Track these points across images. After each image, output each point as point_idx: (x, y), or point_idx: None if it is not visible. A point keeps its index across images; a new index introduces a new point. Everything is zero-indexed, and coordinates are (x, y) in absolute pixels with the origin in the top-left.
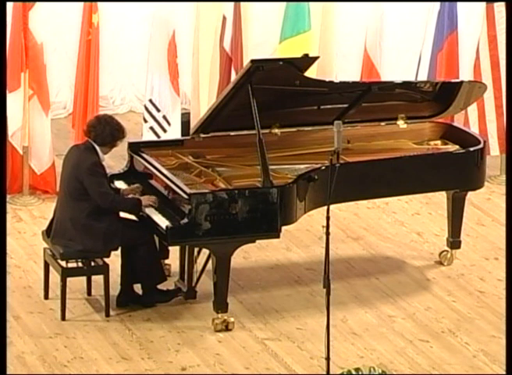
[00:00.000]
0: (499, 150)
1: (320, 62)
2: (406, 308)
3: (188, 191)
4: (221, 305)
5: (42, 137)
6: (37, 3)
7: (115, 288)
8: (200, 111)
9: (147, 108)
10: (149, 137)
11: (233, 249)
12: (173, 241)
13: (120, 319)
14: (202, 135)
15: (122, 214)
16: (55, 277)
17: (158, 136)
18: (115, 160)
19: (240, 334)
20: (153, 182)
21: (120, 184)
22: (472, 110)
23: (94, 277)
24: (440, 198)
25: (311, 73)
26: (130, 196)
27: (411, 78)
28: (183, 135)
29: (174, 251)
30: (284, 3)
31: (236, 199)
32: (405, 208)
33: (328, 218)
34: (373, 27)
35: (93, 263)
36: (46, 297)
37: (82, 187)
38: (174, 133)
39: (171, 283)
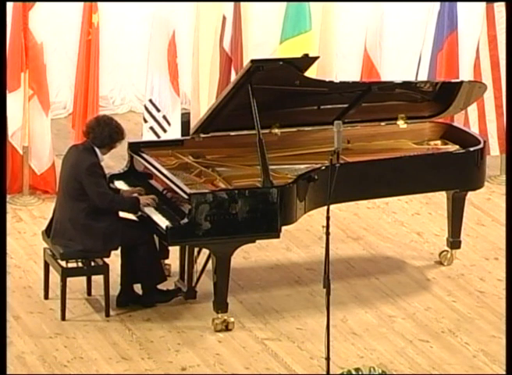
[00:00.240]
0: (499, 150)
1: (320, 62)
2: (406, 308)
3: (188, 191)
4: (221, 305)
5: (42, 137)
6: (37, 3)
7: (115, 288)
8: (200, 111)
9: (147, 108)
10: (149, 137)
11: (233, 249)
12: (173, 241)
13: (120, 319)
14: (202, 135)
15: (122, 214)
16: (55, 277)
17: (158, 136)
18: (115, 160)
19: (239, 334)
20: (153, 182)
21: (120, 184)
22: (472, 110)
23: (94, 277)
24: (440, 198)
25: (311, 73)
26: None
27: (411, 78)
28: (183, 135)
29: (174, 251)
30: (284, 3)
31: (236, 199)
32: (405, 208)
33: (328, 218)
34: (373, 27)
35: (93, 263)
36: (46, 297)
37: (81, 188)
38: (174, 133)
39: (171, 283)
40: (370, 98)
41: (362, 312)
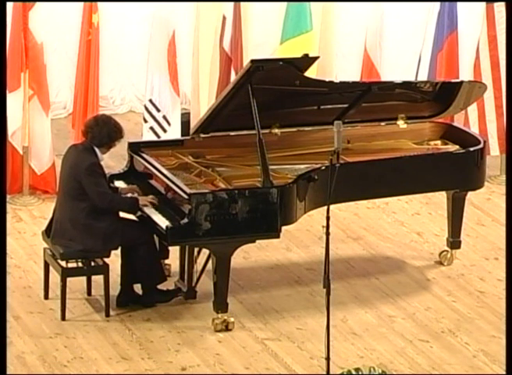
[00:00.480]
0: (499, 150)
1: (320, 62)
2: (406, 308)
3: (188, 191)
4: (221, 305)
5: (42, 137)
6: (37, 3)
7: (115, 288)
8: (200, 111)
9: (147, 108)
10: (149, 137)
11: (233, 249)
12: (173, 241)
13: (120, 319)
14: (202, 135)
15: (122, 214)
16: (55, 277)
17: (158, 136)
18: (115, 160)
19: (239, 334)
20: (153, 182)
21: (120, 184)
22: (472, 110)
23: (94, 277)
24: (440, 198)
25: (311, 73)
26: (129, 195)
27: (411, 78)
28: (183, 135)
29: (174, 251)
30: (284, 3)
31: (236, 199)
32: (405, 208)
33: (328, 218)
34: (373, 27)
35: (93, 263)
36: (46, 297)
37: (81, 187)
38: (174, 133)
39: (171, 283)
40: (370, 98)
41: (362, 312)
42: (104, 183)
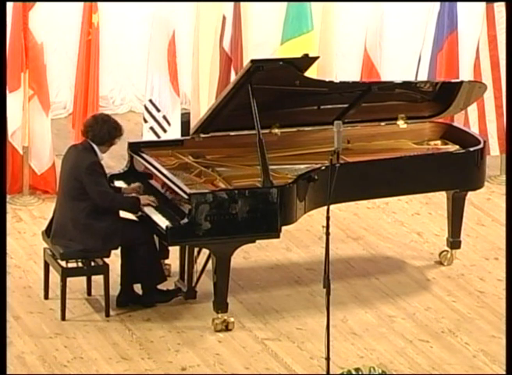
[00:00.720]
0: (499, 150)
1: (320, 62)
2: (406, 308)
3: (188, 191)
4: (221, 305)
5: (42, 137)
6: (37, 3)
7: (115, 288)
8: (200, 111)
9: (147, 108)
10: (149, 137)
11: (233, 249)
12: (173, 241)
13: (120, 319)
14: (202, 135)
15: (122, 214)
16: (55, 277)
17: (158, 136)
18: (115, 160)
19: (239, 334)
20: (153, 182)
21: (120, 184)
22: (472, 110)
23: (94, 277)
24: (440, 198)
25: (311, 73)
26: (131, 195)
27: (411, 78)
28: (183, 135)
29: (174, 251)
30: (284, 3)
31: (236, 199)
32: (405, 208)
33: (328, 218)
34: (373, 27)
35: (93, 263)
36: (46, 297)
37: (81, 187)
38: (174, 133)
39: (171, 283)
40: (370, 98)
41: (362, 312)
42: (104, 182)
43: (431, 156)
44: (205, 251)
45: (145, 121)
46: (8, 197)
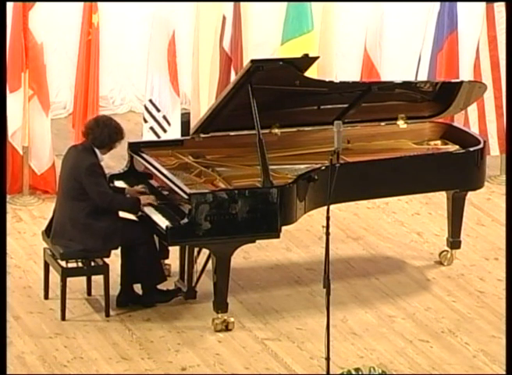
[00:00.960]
0: (499, 150)
1: (320, 62)
2: (406, 308)
3: (188, 191)
4: (221, 305)
5: (42, 137)
6: (37, 3)
7: (115, 288)
8: (200, 111)
9: (147, 109)
10: (149, 137)
11: (233, 249)
12: (173, 241)
13: (120, 319)
14: (202, 135)
15: (122, 214)
16: (55, 277)
17: (158, 136)
18: (115, 160)
19: (239, 334)
20: (153, 182)
21: (120, 184)
22: (472, 110)
23: (94, 277)
24: (440, 198)
25: (311, 73)
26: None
27: (411, 78)
28: (183, 135)
29: (174, 251)
30: (284, 3)
31: (236, 199)
32: (405, 208)
33: (328, 218)
34: (373, 27)
35: (93, 263)
36: (46, 297)
37: (81, 187)
38: (174, 133)
39: (171, 283)
40: (370, 98)
41: (362, 312)
42: (104, 183)
43: (431, 156)
44: (205, 251)
45: (145, 121)
46: (8, 197)
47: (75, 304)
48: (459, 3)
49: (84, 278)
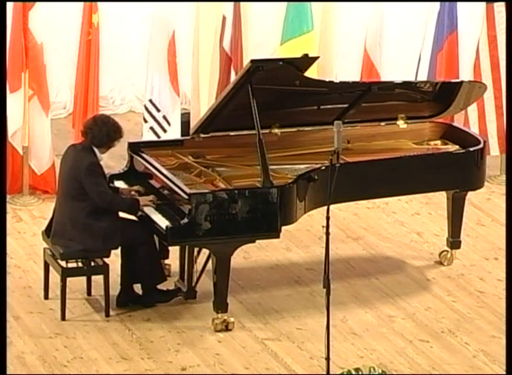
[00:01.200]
0: (499, 150)
1: (320, 62)
2: (406, 308)
3: (188, 191)
4: (221, 305)
5: (42, 137)
6: (37, 3)
7: (115, 288)
8: (200, 111)
9: (147, 109)
10: (149, 137)
11: (233, 249)
12: (173, 241)
13: (120, 319)
14: (202, 135)
15: (122, 214)
16: (55, 277)
17: (158, 136)
18: (115, 160)
19: (239, 334)
20: (153, 182)
21: (120, 184)
22: (472, 110)
23: (94, 277)
24: (440, 198)
25: (311, 73)
26: (130, 195)
27: (411, 78)
28: (182, 135)
29: (174, 251)
30: (284, 3)
31: (236, 199)
32: (405, 208)
33: (328, 218)
34: (373, 27)
35: (93, 263)
36: (46, 297)
37: (80, 187)
38: (174, 133)
39: (171, 283)
40: (370, 98)
41: (362, 312)
42: (104, 182)
43: (431, 156)
44: (205, 251)
45: (145, 121)
46: (8, 197)
47: (75, 304)
48: (459, 3)
49: (84, 278)
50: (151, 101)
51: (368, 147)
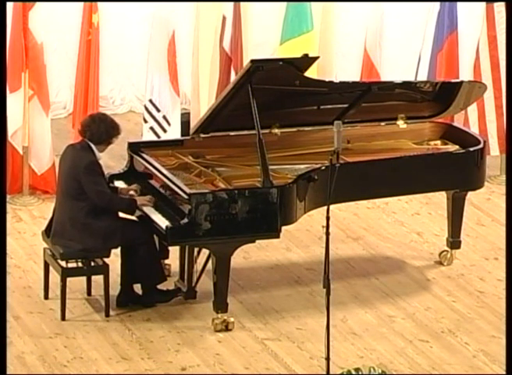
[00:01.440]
0: (499, 150)
1: (320, 62)
2: (406, 308)
3: (188, 191)
4: (221, 305)
5: (42, 137)
6: (37, 3)
7: (115, 288)
8: (200, 111)
9: (147, 109)
10: (149, 137)
11: (233, 249)
12: (173, 241)
13: (120, 319)
14: (202, 135)
15: (122, 214)
16: (55, 277)
17: (158, 136)
18: (114, 160)
19: (240, 334)
20: (153, 182)
21: (120, 184)
22: (472, 110)
23: (94, 277)
24: (440, 198)
25: (311, 73)
26: (127, 196)
27: (411, 78)
28: (182, 135)
29: (174, 251)
30: (284, 3)
31: (236, 199)
32: (405, 208)
33: (328, 218)
34: (373, 27)
35: (93, 263)
36: (46, 297)
37: (80, 187)
38: (174, 133)
39: (171, 283)
40: (370, 98)
41: (362, 312)
42: (102, 181)
43: (431, 156)
44: (205, 251)
45: (145, 121)
46: (8, 197)
47: (75, 304)
48: (459, 3)
49: (84, 278)
50: (151, 101)
51: (368, 147)
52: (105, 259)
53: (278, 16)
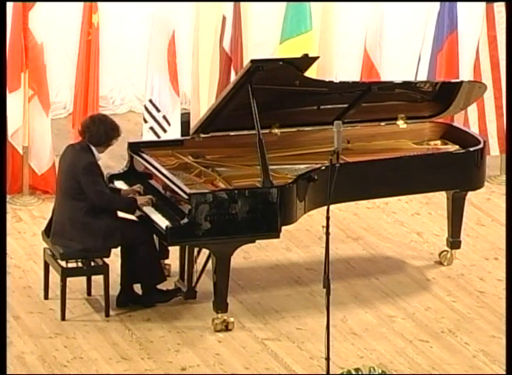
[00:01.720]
0: (499, 150)
1: (320, 62)
2: (406, 308)
3: (188, 191)
4: (221, 305)
5: (42, 137)
6: (37, 3)
7: (115, 288)
8: (200, 111)
9: (147, 109)
10: (149, 137)
11: (233, 249)
12: (173, 241)
13: (120, 319)
14: (202, 135)
15: (121, 213)
16: (55, 277)
17: (158, 136)
18: (114, 160)
19: (239, 334)
20: (153, 182)
21: (120, 184)
22: (472, 110)
23: (94, 277)
24: (440, 198)
25: (311, 73)
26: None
27: (411, 78)
28: (182, 135)
29: (174, 251)
30: (284, 3)
31: (236, 199)
32: (405, 208)
33: (328, 218)
34: (373, 27)
35: (93, 263)
36: (46, 297)
37: (79, 187)
38: (174, 133)
39: (171, 283)
40: (370, 98)
41: (362, 312)
42: (101, 182)
43: (431, 156)
44: (205, 251)
45: (145, 121)
46: (8, 197)
47: (75, 304)
48: (459, 3)
49: (84, 278)
50: (150, 101)
51: (368, 147)
52: (105, 259)
53: (278, 16)
